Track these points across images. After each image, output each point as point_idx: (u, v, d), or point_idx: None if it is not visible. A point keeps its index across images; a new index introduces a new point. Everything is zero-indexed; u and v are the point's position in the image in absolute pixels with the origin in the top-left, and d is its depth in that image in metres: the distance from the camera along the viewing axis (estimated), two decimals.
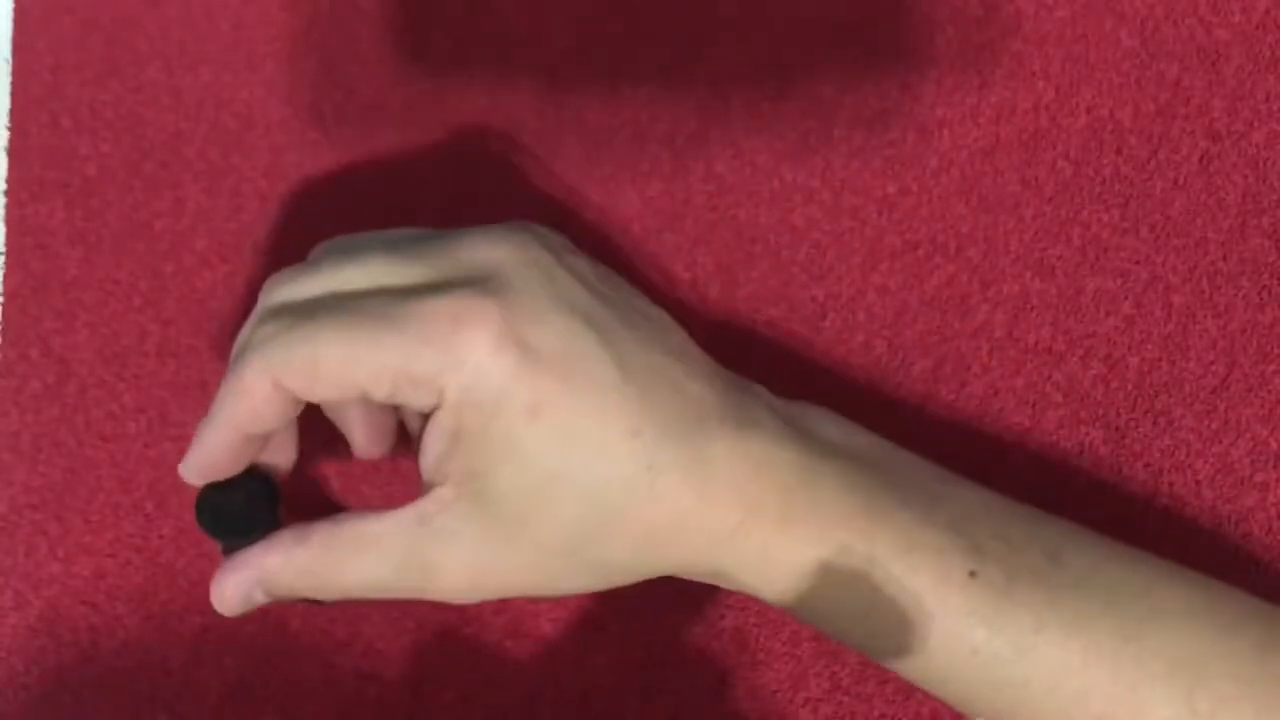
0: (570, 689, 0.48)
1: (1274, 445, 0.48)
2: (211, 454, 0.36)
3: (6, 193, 0.58)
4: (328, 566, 0.34)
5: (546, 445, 0.30)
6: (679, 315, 0.41)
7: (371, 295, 0.34)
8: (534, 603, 0.49)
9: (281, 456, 0.41)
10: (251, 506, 0.35)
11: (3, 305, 0.56)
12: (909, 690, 0.45)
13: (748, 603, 0.47)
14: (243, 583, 0.37)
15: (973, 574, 0.31)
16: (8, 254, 0.57)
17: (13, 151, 0.58)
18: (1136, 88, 0.53)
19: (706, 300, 0.52)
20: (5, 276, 0.56)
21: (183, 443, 0.53)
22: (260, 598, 0.37)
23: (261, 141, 0.57)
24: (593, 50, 0.56)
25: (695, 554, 0.32)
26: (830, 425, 0.36)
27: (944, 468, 0.39)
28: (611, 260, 0.54)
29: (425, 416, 0.35)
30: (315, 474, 0.52)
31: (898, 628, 0.31)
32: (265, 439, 0.38)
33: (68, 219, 0.57)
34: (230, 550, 0.36)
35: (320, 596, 0.37)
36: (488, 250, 0.33)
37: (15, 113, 0.59)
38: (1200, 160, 0.52)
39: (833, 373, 0.50)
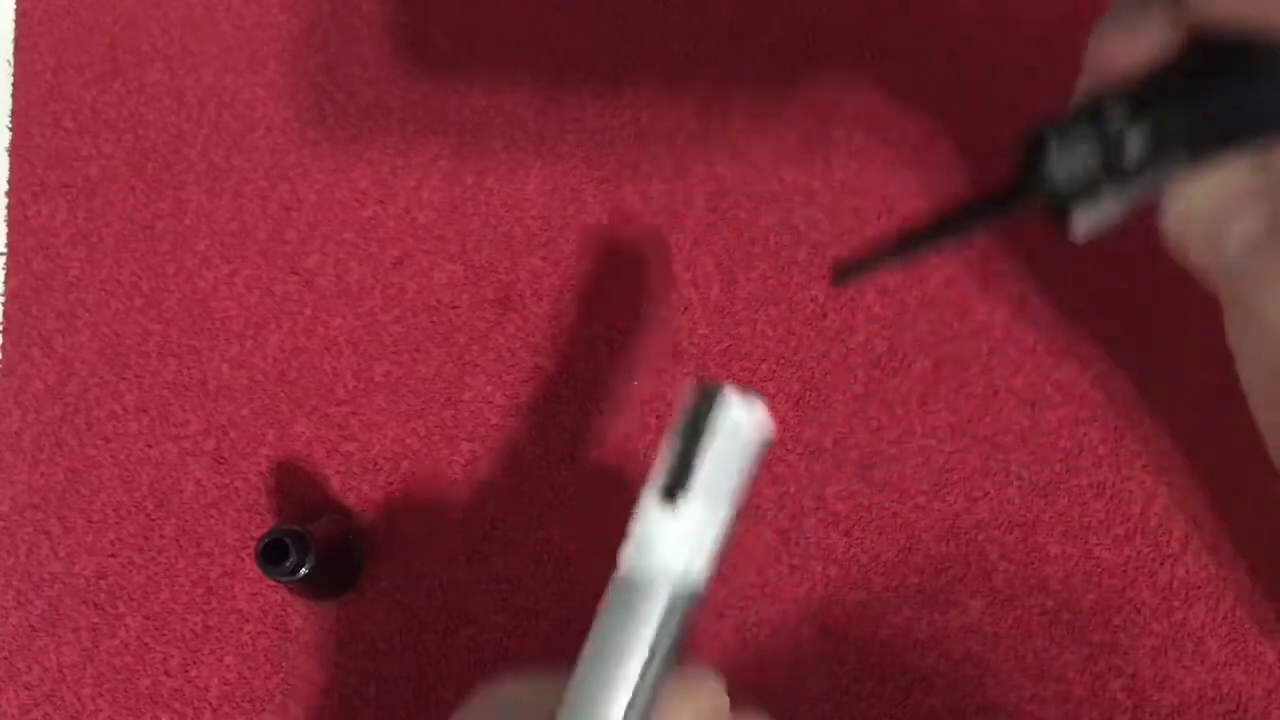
0: None
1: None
2: None
3: (8, 193, 0.58)
4: None
5: None
6: (679, 315, 0.41)
7: None
8: (535, 602, 0.49)
9: None
10: None
11: (5, 305, 0.56)
12: (909, 690, 0.45)
13: (748, 602, 0.47)
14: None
15: None
16: (10, 254, 0.57)
17: (15, 152, 0.58)
18: None
19: (707, 300, 0.52)
20: (7, 277, 0.56)
21: (184, 442, 0.53)
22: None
23: (263, 142, 0.57)
24: (593, 50, 0.56)
25: None
26: None
27: None
28: (612, 260, 0.54)
29: None
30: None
31: None
32: None
33: (70, 219, 0.57)
34: None
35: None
36: None
37: (17, 114, 0.59)
38: None
39: (833, 372, 0.50)
